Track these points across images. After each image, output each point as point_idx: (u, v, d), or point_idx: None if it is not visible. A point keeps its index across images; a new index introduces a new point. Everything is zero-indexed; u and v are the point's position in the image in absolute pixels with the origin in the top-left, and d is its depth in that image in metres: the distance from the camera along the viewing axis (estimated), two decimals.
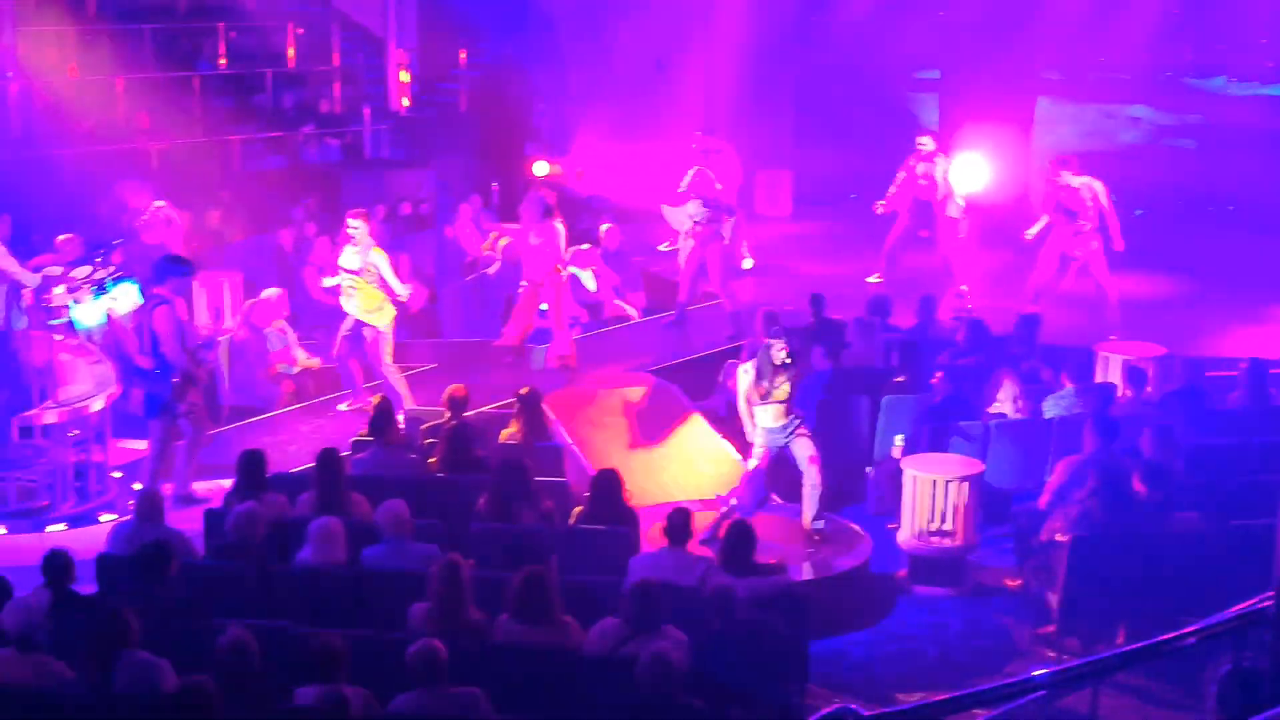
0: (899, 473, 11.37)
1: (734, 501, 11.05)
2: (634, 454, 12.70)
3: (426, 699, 7.00)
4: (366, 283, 12.92)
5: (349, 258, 12.98)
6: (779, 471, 11.32)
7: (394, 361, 13.21)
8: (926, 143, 16.76)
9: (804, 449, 10.91)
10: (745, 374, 10.93)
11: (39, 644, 7.33)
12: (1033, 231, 15.82)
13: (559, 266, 14.09)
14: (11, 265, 10.93)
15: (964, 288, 15.73)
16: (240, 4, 22.92)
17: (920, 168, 16.65)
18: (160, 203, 15.01)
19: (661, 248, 16.43)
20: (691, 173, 15.42)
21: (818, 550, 10.85)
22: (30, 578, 8.33)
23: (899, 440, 11.95)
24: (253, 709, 6.95)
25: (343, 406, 13.38)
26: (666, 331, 15.74)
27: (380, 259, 13.01)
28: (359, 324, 13.01)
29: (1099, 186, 15.35)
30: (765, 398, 10.79)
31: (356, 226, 12.99)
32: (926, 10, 21.26)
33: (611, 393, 13.81)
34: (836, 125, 21.80)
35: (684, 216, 15.42)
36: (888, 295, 15.16)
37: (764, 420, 10.86)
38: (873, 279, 16.98)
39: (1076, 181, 15.29)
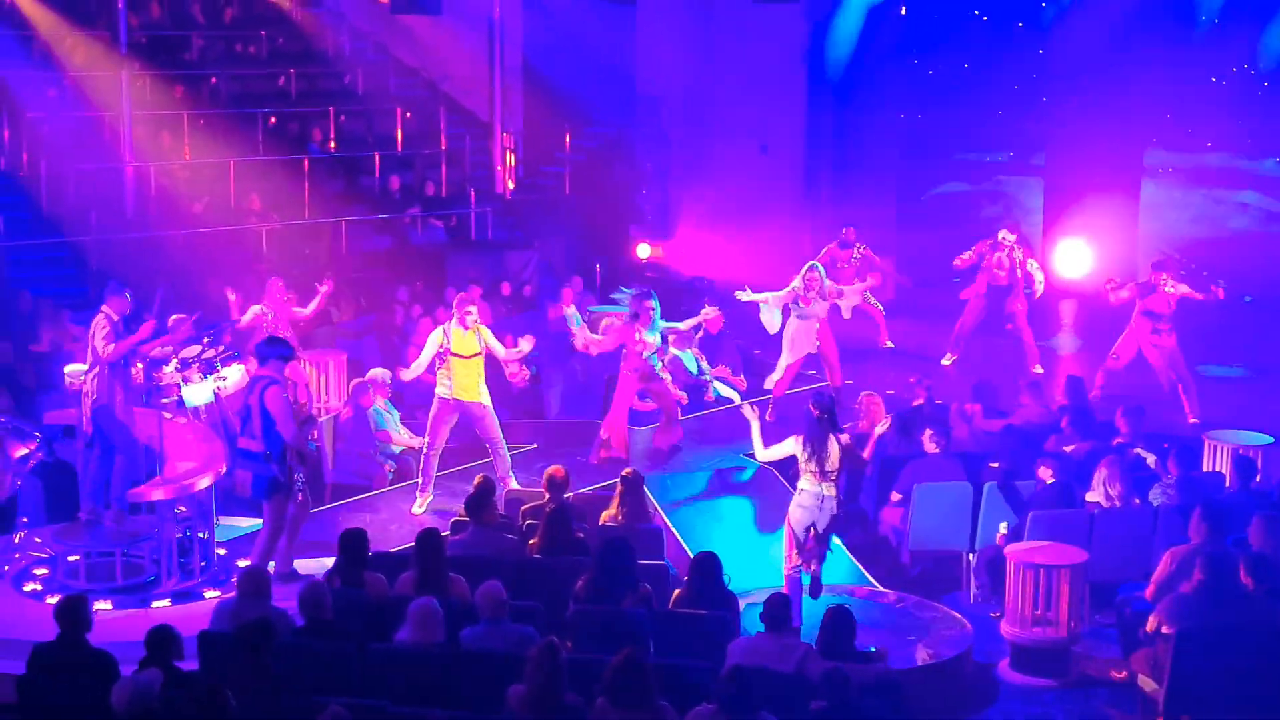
0: (1002, 560, 11.24)
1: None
2: (734, 536, 12.66)
3: None
4: (482, 361, 13.12)
5: (467, 344, 13.07)
6: (877, 555, 11.23)
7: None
8: (1008, 236, 16.79)
9: (826, 525, 10.92)
10: (796, 441, 10.96)
11: None
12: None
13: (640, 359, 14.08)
14: (103, 341, 11.15)
15: (1038, 369, 15.74)
16: (350, 89, 23.41)
17: (995, 257, 16.73)
18: (259, 308, 15.17)
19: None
20: (804, 270, 15.33)
21: (917, 638, 10.74)
22: (135, 653, 8.44)
23: (1003, 527, 11.82)
24: None
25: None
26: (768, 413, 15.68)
27: (490, 336, 13.18)
28: (458, 403, 13.10)
29: (1185, 289, 15.31)
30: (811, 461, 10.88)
31: (472, 310, 13.17)
32: (1032, 95, 21.27)
33: (712, 475, 13.81)
34: (939, 210, 21.80)
35: (774, 315, 15.38)
36: (992, 382, 15.06)
37: (805, 485, 10.91)
38: (946, 360, 17.04)
39: (1175, 290, 15.23)
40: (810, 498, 10.89)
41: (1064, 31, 20.61)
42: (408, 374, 13.48)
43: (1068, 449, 13.00)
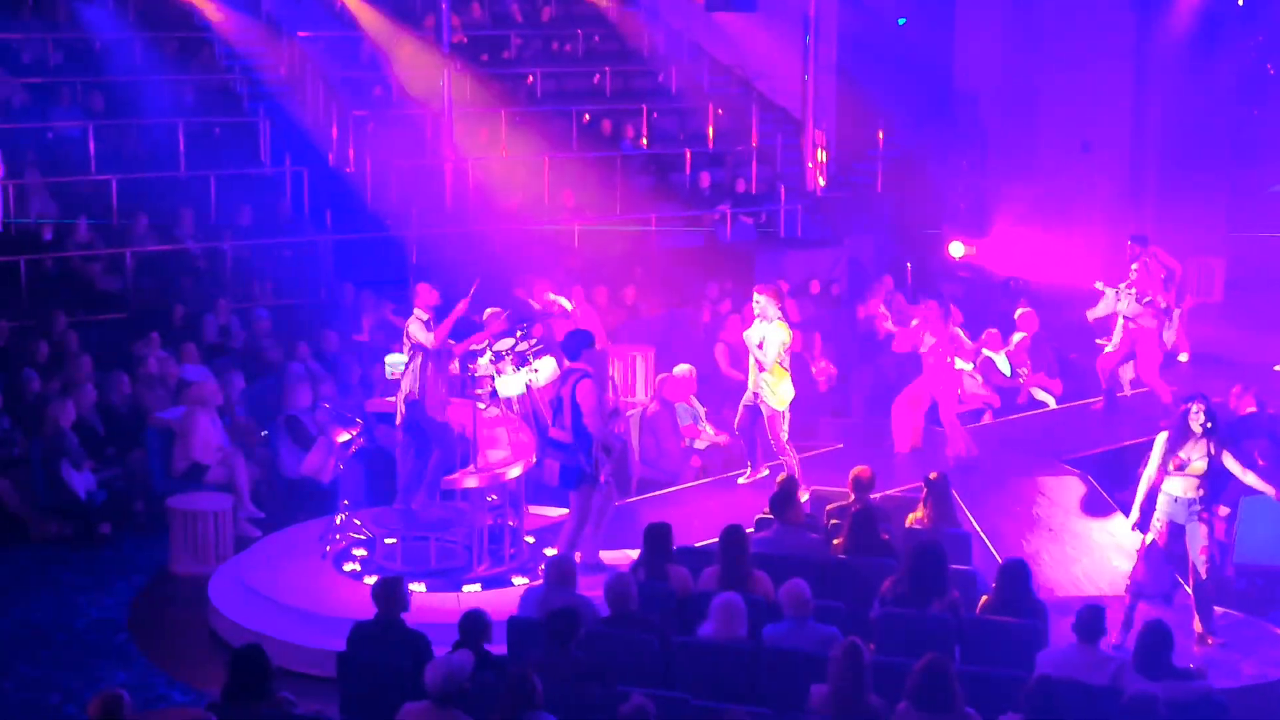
0: None
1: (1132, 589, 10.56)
2: (1044, 544, 12.31)
3: None
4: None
5: (751, 331, 13.00)
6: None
7: (792, 440, 13.08)
8: None
9: (1198, 537, 10.36)
10: (1160, 441, 10.49)
11: (456, 702, 7.56)
12: None
13: (948, 363, 13.83)
14: (423, 334, 11.40)
15: None
16: (663, 86, 23.62)
17: None
18: (556, 297, 15.38)
19: (1101, 342, 15.93)
20: (1135, 268, 15.01)
21: (1241, 657, 10.23)
22: (446, 634, 8.64)
23: None
24: None
25: (741, 480, 13.43)
26: (1092, 419, 15.23)
27: (773, 333, 12.88)
28: (757, 397, 12.99)
29: None
30: (1181, 468, 10.34)
31: (759, 300, 12.97)
32: None
33: (1023, 480, 13.44)
34: (1273, 210, 20.79)
35: (1120, 308, 15.06)
36: None
37: (1171, 488, 10.40)
38: None
39: None
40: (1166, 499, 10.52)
41: None
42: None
43: None
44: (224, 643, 10.93)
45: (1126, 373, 15.74)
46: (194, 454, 13.50)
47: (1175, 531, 10.50)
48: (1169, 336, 15.51)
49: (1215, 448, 10.38)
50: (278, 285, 17.63)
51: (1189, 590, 10.75)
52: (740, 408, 13.20)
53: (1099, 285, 15.35)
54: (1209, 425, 10.35)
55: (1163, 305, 15.24)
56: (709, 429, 14.78)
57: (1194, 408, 10.41)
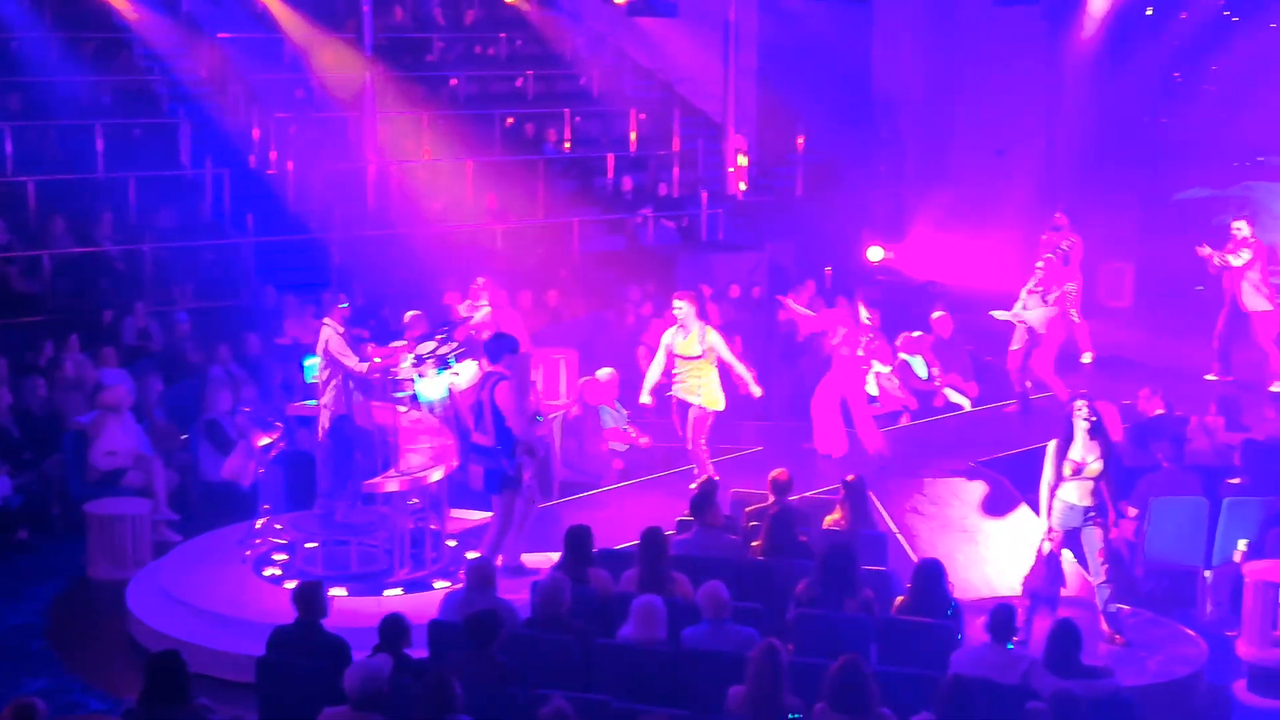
0: (1240, 578, 10.87)
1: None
2: (959, 545, 12.49)
3: None
4: (708, 363, 13.08)
5: (688, 345, 13.11)
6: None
7: (711, 442, 13.28)
8: (1241, 228, 16.01)
9: (1094, 541, 10.53)
10: (1051, 448, 10.64)
11: (375, 706, 7.60)
12: None
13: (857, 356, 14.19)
14: (346, 355, 11.41)
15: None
16: (585, 90, 23.70)
17: (1224, 257, 16.02)
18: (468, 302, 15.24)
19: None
20: (1040, 266, 15.27)
21: (1148, 655, 10.45)
22: (366, 638, 8.68)
23: (1242, 544, 11.43)
24: None
25: (694, 485, 13.54)
26: (1007, 421, 15.45)
27: (710, 335, 13.17)
28: (684, 402, 13.20)
29: None
30: (1078, 472, 10.48)
31: (680, 306, 13.16)
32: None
33: (939, 482, 13.65)
34: (1181, 214, 21.17)
35: (1029, 317, 15.28)
36: (1236, 395, 14.59)
37: (1067, 495, 10.53)
38: (1211, 377, 16.44)
39: None
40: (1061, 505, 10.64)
41: None
42: (647, 384, 13.56)
43: None
44: (142, 649, 10.88)
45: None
46: (94, 459, 13.38)
47: (1070, 537, 10.67)
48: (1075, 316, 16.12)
49: (1103, 446, 10.55)
50: (198, 288, 17.55)
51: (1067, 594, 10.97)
52: (677, 415, 13.37)
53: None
54: (1093, 420, 10.50)
55: (1071, 289, 15.57)
56: (631, 432, 14.87)
57: (1077, 404, 10.57)
